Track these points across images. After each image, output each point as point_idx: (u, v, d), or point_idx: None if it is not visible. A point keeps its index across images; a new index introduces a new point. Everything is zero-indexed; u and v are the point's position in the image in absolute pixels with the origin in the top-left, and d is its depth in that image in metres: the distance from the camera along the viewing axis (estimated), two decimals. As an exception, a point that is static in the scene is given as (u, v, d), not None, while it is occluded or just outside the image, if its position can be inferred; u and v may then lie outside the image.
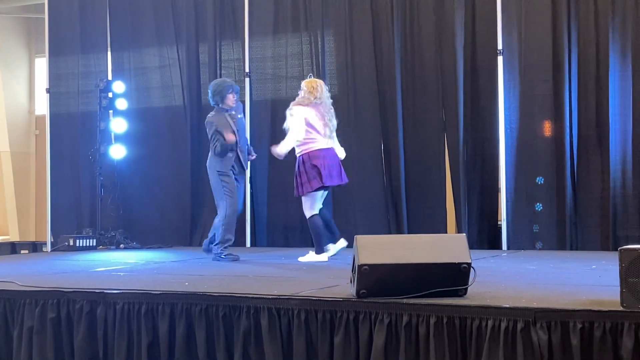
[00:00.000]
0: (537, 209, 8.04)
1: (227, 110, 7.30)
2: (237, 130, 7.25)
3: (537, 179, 7.94)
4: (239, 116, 7.40)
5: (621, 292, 3.58)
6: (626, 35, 7.75)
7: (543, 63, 8.03)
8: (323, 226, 6.97)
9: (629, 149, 7.73)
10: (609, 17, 7.77)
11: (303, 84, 7.00)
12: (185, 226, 9.62)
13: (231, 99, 7.27)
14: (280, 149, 6.98)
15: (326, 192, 7.04)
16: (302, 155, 6.83)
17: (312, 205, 6.85)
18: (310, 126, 6.80)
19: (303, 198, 6.86)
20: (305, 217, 7.02)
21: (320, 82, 7.03)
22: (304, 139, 6.82)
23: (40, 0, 10.81)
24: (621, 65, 7.75)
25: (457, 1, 8.36)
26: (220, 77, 9.56)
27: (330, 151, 6.89)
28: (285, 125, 7.00)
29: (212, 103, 7.40)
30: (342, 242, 6.93)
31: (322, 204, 7.00)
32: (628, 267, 3.55)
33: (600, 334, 3.59)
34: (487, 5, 8.29)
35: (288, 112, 6.95)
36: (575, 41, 7.93)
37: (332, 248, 6.90)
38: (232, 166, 7.26)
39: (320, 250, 6.86)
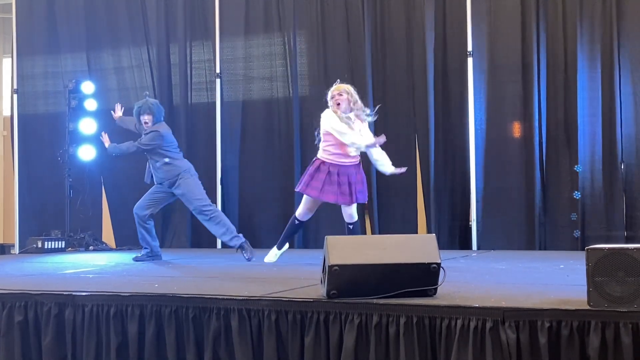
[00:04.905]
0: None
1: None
2: None
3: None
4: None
5: (588, 291, 3.61)
6: (594, 36, 7.83)
7: (512, 64, 8.11)
8: None
9: (598, 150, 7.82)
10: (577, 19, 7.86)
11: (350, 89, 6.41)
12: (155, 227, 9.51)
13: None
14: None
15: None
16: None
17: None
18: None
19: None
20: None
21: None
22: None
23: (6, 0, 10.68)
24: (589, 67, 7.83)
25: (427, 2, 8.40)
26: (191, 78, 9.52)
27: None
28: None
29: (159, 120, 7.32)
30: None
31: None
32: (595, 267, 3.57)
33: (568, 333, 3.61)
34: (457, 7, 8.35)
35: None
36: (544, 43, 8.00)
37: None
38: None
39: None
